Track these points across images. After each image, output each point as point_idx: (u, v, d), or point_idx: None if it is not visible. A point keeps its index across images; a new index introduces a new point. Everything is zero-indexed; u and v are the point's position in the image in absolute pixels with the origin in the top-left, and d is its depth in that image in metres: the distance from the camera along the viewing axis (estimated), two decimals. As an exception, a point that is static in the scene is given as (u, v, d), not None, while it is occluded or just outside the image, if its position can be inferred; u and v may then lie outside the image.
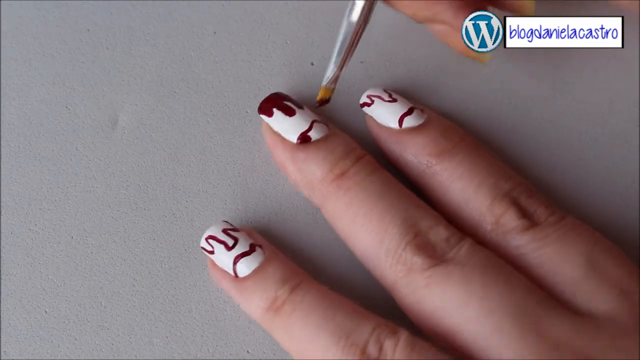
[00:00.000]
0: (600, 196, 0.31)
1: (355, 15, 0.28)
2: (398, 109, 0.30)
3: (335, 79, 0.29)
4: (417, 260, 0.26)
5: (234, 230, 0.28)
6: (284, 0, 0.34)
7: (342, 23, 0.28)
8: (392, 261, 0.26)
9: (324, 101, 0.30)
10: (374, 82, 0.32)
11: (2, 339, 0.28)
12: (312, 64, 0.33)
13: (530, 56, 0.33)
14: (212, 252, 0.28)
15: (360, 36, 0.29)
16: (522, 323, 0.24)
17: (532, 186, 0.28)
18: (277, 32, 0.33)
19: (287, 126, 0.29)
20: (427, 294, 0.25)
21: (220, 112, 0.32)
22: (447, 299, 0.25)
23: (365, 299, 0.28)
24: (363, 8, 0.28)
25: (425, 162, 0.29)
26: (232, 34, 0.33)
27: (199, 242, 0.29)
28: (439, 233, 0.26)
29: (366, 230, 0.27)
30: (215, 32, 0.33)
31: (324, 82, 0.29)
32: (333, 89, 0.30)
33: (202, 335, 0.28)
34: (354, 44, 0.29)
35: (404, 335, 0.25)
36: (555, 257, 0.26)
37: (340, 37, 0.29)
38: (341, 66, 0.29)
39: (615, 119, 0.32)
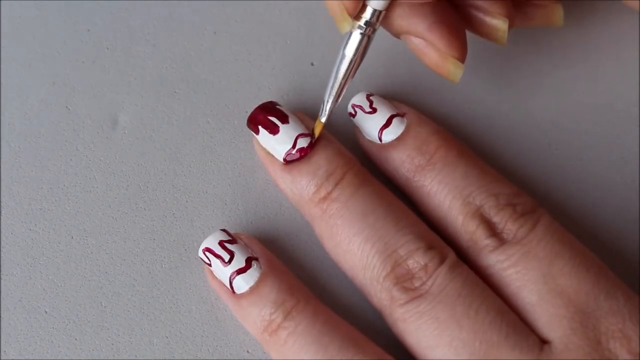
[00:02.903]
0: (600, 196, 0.30)
1: (351, 49, 0.27)
2: (377, 121, 0.29)
3: (330, 112, 0.29)
4: (396, 294, 0.26)
5: (231, 241, 0.28)
6: (284, 0, 0.34)
7: (338, 53, 0.28)
8: (375, 290, 0.27)
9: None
10: (373, 82, 0.32)
11: (2, 339, 0.28)
12: (312, 64, 0.33)
13: (530, 56, 0.33)
14: (209, 265, 0.28)
15: (356, 69, 0.28)
16: None
17: (506, 192, 0.28)
18: (277, 32, 0.33)
19: (272, 144, 0.29)
20: (405, 329, 0.26)
21: (220, 112, 0.32)
22: (420, 337, 0.26)
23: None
24: (359, 42, 0.27)
25: (404, 179, 0.29)
26: (232, 34, 0.33)
27: (199, 242, 0.28)
28: (417, 260, 0.26)
29: (349, 258, 0.27)
30: (215, 32, 0.33)
31: (324, 118, 0.28)
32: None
33: (202, 335, 0.28)
34: (349, 77, 0.28)
35: None
36: (516, 280, 0.26)
37: (335, 70, 0.28)
38: (336, 99, 0.28)
39: (615, 119, 0.32)
